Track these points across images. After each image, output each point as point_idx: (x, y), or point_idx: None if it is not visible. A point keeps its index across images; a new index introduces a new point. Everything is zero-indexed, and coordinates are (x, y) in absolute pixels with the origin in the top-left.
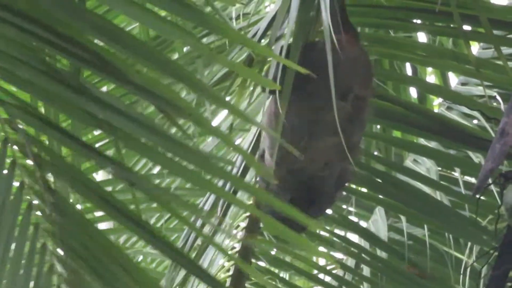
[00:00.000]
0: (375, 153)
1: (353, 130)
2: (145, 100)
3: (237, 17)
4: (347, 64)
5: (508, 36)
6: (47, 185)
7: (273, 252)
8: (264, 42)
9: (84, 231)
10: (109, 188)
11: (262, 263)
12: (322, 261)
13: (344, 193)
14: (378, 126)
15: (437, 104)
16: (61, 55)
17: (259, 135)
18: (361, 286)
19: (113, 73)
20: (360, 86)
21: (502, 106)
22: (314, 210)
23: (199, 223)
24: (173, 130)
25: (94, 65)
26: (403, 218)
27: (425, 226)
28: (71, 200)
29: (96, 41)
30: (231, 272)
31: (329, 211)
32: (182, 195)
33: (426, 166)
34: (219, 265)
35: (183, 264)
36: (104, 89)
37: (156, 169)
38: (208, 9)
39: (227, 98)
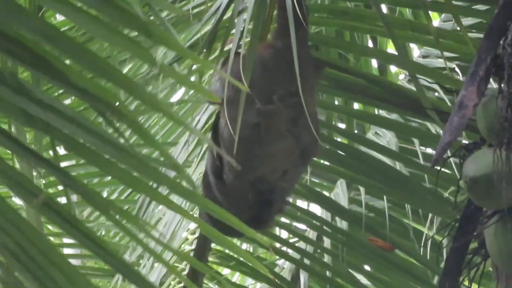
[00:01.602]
0: (337, 125)
1: (299, 130)
2: (85, 102)
3: None
4: (260, 69)
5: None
6: None
7: None
8: (226, 15)
9: (18, 229)
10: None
11: None
12: (284, 234)
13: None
14: (340, 99)
15: (398, 77)
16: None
17: None
18: (323, 259)
19: (52, 74)
20: (287, 84)
21: (462, 79)
22: (265, 224)
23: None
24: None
25: (33, 65)
26: (362, 189)
27: (385, 198)
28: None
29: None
30: (193, 246)
31: None
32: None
33: (387, 138)
34: (181, 238)
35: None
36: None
37: None
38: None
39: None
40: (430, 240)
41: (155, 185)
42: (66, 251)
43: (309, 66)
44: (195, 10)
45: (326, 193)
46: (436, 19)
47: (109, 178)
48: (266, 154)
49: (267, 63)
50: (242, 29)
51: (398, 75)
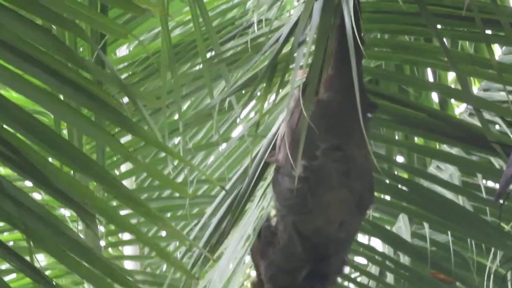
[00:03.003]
0: (398, 160)
1: (353, 182)
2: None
3: (259, 22)
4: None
5: None
6: None
7: None
8: (286, 48)
9: None
10: None
11: None
12: (346, 269)
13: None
14: (400, 133)
15: (459, 112)
16: None
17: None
18: None
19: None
20: (331, 137)
21: None
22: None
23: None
24: None
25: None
26: (426, 224)
27: (449, 233)
28: None
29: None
30: None
31: None
32: None
33: (449, 172)
34: None
35: None
36: None
37: None
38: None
39: (252, 103)
40: (493, 274)
41: None
42: None
43: (357, 116)
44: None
45: (387, 227)
46: (496, 53)
47: None
48: (320, 205)
49: (311, 120)
50: (301, 63)
51: (455, 108)
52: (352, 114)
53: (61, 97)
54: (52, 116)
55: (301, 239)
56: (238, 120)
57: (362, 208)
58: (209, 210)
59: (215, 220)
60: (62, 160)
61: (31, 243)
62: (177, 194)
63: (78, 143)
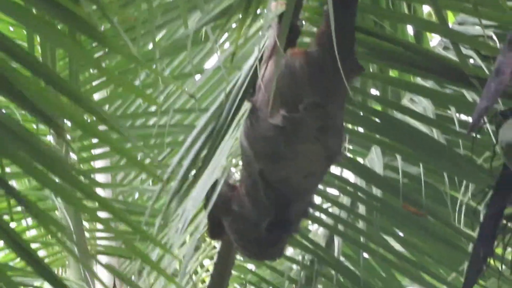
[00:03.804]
0: (372, 92)
1: (327, 138)
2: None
3: None
4: (285, 77)
5: None
6: None
7: None
8: None
9: None
10: None
11: None
12: (317, 200)
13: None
14: (375, 66)
15: (433, 45)
16: None
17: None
18: (357, 224)
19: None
20: (315, 94)
21: (498, 46)
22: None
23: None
24: None
25: None
26: (398, 157)
27: (421, 165)
28: None
29: None
30: None
31: None
32: None
33: (423, 105)
34: None
35: None
36: None
37: None
38: None
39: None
40: (464, 207)
41: None
42: None
43: (342, 79)
44: None
45: (360, 159)
46: None
47: None
48: (291, 156)
49: (297, 71)
50: None
51: (429, 41)
52: (338, 74)
53: (34, 11)
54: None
55: (265, 186)
56: (214, 50)
57: (330, 162)
58: (188, 140)
59: (192, 152)
60: (33, 73)
61: None
62: (151, 123)
63: (51, 59)
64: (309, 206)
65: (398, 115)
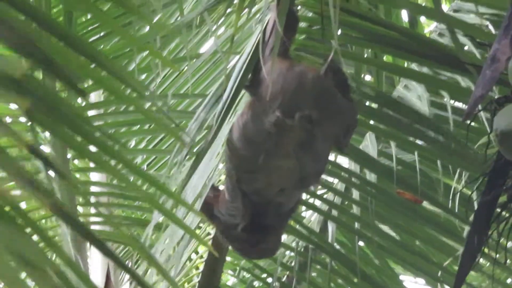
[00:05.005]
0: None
1: (306, 158)
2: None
3: None
4: (293, 83)
5: None
6: None
7: None
8: None
9: None
10: None
11: None
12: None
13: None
14: (370, 51)
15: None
16: None
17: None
18: (351, 210)
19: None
20: (311, 108)
21: (494, 32)
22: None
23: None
24: None
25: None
26: (392, 143)
27: (415, 152)
28: None
29: None
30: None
31: None
32: None
33: (417, 92)
34: None
35: None
36: None
37: None
38: None
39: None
40: (459, 194)
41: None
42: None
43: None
44: None
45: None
46: None
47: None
48: (267, 168)
49: (305, 82)
50: None
51: (425, 28)
52: (335, 96)
53: None
54: None
55: (242, 194)
56: (210, 34)
57: (304, 184)
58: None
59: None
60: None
61: None
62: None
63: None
64: (291, 212)
65: (393, 99)
